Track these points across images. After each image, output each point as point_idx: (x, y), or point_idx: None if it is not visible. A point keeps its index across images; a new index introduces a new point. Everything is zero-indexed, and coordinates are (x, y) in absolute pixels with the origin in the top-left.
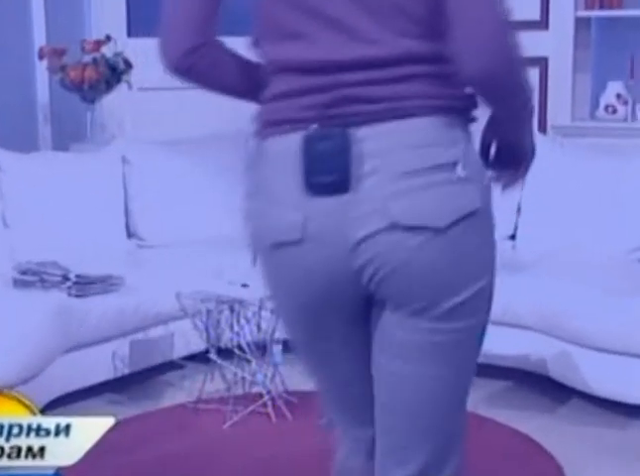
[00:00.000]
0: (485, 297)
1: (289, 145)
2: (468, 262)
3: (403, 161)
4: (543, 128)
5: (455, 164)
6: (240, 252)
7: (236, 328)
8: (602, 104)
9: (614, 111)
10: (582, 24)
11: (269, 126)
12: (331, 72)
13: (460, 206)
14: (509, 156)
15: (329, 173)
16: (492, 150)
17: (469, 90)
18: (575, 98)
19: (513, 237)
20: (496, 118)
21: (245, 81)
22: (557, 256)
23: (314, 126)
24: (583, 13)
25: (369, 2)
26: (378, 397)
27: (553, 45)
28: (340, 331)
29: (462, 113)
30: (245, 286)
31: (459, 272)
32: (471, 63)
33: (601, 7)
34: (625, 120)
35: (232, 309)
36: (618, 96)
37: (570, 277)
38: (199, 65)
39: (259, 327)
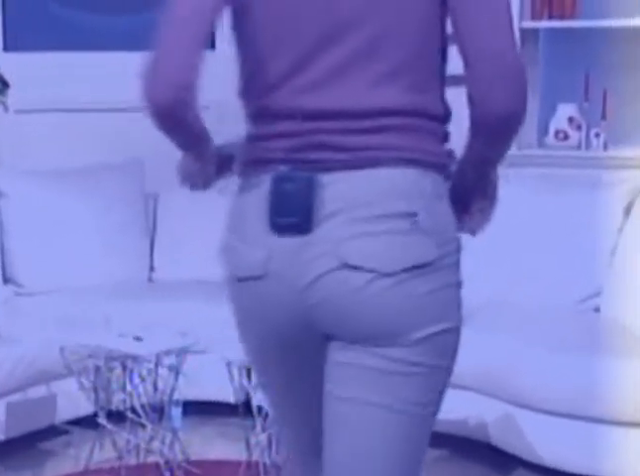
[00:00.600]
0: (440, 345)
1: (261, 184)
2: (414, 307)
3: (364, 207)
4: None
5: (414, 215)
6: (133, 300)
7: (129, 388)
8: (552, 130)
9: (566, 137)
10: (528, 36)
11: (246, 165)
12: (306, 119)
13: (411, 257)
14: (477, 201)
15: (293, 214)
16: (462, 199)
17: (447, 147)
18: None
19: None
20: (473, 161)
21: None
22: (499, 306)
23: (283, 168)
24: (529, 24)
25: (345, 51)
26: (326, 432)
27: None
28: (299, 365)
29: (436, 168)
30: (138, 339)
31: (405, 315)
32: (498, 102)
33: (551, 17)
34: (578, 148)
35: (124, 366)
36: (570, 120)
37: (513, 330)
38: (191, 104)
39: (155, 387)
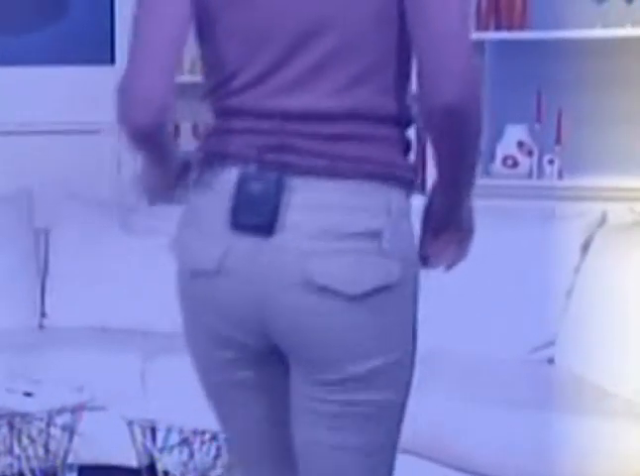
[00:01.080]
0: (399, 370)
1: (225, 180)
2: (379, 333)
3: (328, 221)
4: (422, 187)
5: (379, 234)
6: (22, 350)
7: (17, 451)
8: (499, 155)
9: (515, 164)
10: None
11: (209, 156)
12: (278, 119)
13: (376, 278)
14: (451, 234)
15: (256, 215)
16: (432, 232)
17: (410, 159)
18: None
19: None
20: (440, 191)
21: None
22: (440, 357)
23: (252, 166)
24: (474, 35)
25: (314, 56)
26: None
27: None
28: (245, 369)
29: (401, 182)
30: (28, 394)
31: (368, 341)
32: (446, 90)
33: (498, 27)
34: (529, 176)
35: (11, 426)
36: (520, 145)
37: (456, 384)
38: (167, 124)
39: (46, 449)
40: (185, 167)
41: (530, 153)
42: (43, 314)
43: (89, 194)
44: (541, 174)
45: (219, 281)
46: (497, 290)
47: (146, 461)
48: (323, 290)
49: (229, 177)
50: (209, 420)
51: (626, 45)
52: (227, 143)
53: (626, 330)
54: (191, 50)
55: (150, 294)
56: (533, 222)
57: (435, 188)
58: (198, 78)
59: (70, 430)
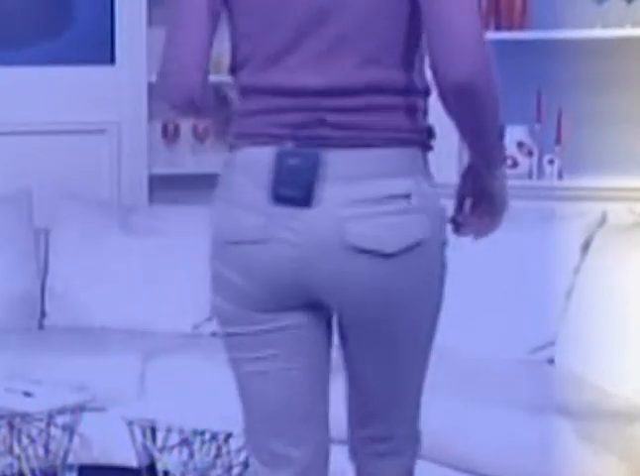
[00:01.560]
0: (434, 307)
1: (261, 157)
2: (415, 286)
3: (360, 188)
4: None
5: (408, 195)
6: (22, 350)
7: (17, 451)
8: None
9: (515, 165)
10: None
11: (243, 138)
12: (306, 96)
13: (410, 235)
14: (484, 206)
15: (294, 187)
16: (468, 203)
17: (427, 122)
18: (463, 148)
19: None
20: (473, 165)
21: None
22: (440, 357)
23: (289, 143)
24: None
25: (340, 31)
26: (354, 396)
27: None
28: (287, 328)
29: (421, 145)
30: (28, 394)
31: (411, 291)
32: (456, 69)
33: (498, 27)
34: (529, 177)
35: (11, 426)
36: (520, 145)
37: (456, 385)
38: (204, 95)
39: (46, 449)
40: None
41: (530, 153)
42: (43, 314)
43: (89, 194)
44: (541, 174)
45: (262, 247)
46: (497, 290)
47: (146, 461)
48: (362, 252)
49: (264, 154)
50: (209, 420)
51: (626, 45)
52: (259, 123)
53: (626, 330)
54: None
55: (150, 294)
56: (533, 222)
57: (468, 163)
58: None
59: (70, 430)
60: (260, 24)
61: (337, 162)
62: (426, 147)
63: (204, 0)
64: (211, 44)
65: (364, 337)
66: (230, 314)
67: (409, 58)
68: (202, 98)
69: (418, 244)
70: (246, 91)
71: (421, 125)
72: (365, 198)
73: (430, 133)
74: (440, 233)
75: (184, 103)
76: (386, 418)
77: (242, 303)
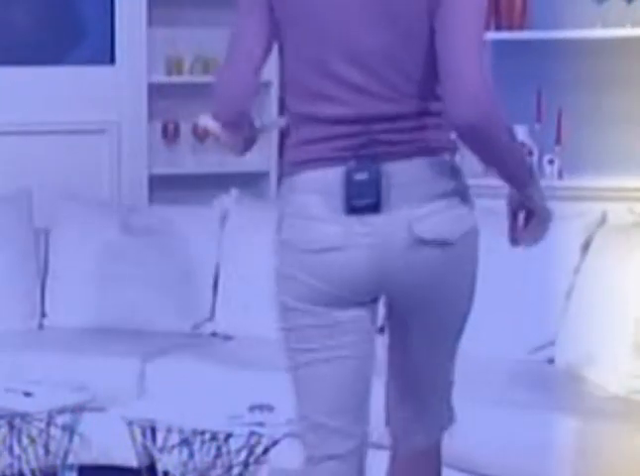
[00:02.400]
0: (472, 295)
1: (331, 176)
2: (464, 269)
3: (419, 190)
4: None
5: (455, 192)
6: (22, 350)
7: (17, 451)
8: None
9: None
10: None
11: (305, 163)
12: (360, 123)
13: (463, 224)
14: (532, 218)
15: (364, 198)
16: (520, 217)
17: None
18: (464, 148)
19: (382, 330)
20: (504, 181)
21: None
22: None
23: (352, 162)
24: None
25: (384, 73)
26: (401, 377)
27: None
28: (355, 321)
29: (453, 152)
30: (28, 394)
31: (458, 277)
32: (466, 114)
33: (498, 27)
34: None
35: (11, 426)
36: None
37: (457, 386)
38: (249, 109)
39: (46, 449)
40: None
41: (530, 153)
42: (43, 314)
43: (89, 194)
44: (541, 174)
45: (340, 254)
46: (497, 290)
47: (146, 461)
48: (427, 243)
49: (335, 173)
50: (209, 420)
51: (626, 45)
52: (324, 148)
53: (626, 330)
54: (192, 50)
55: (150, 294)
56: None
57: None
58: (198, 79)
59: (70, 430)
60: (306, 64)
61: (395, 171)
62: (455, 154)
63: (262, 31)
64: (263, 64)
65: (422, 320)
66: (299, 311)
67: (436, 89)
68: (245, 115)
69: (469, 232)
70: (304, 121)
71: (450, 137)
72: (424, 198)
73: (455, 143)
74: (477, 222)
75: (230, 116)
76: (429, 395)
77: (315, 302)
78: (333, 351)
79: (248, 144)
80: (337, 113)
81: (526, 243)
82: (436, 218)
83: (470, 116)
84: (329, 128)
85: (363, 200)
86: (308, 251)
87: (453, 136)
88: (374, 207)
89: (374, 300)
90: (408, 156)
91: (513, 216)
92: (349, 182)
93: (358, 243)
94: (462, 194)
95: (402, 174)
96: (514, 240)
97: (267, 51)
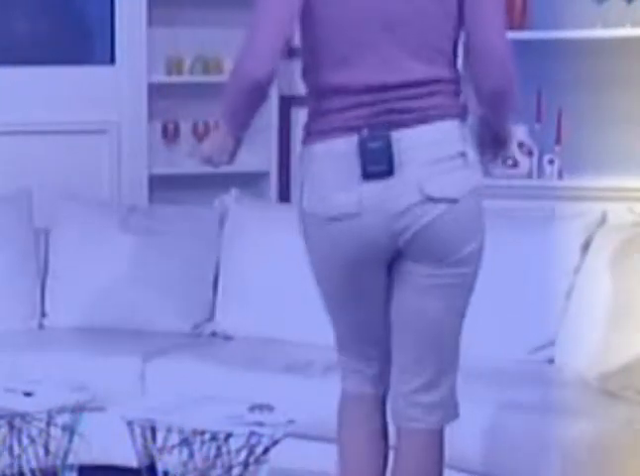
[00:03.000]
0: (481, 251)
1: (346, 146)
2: (471, 225)
3: (429, 153)
4: None
5: (464, 154)
6: (22, 350)
7: (17, 451)
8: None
9: (515, 165)
10: None
11: (324, 133)
12: (381, 91)
13: (468, 183)
14: (497, 141)
15: (379, 164)
16: (487, 140)
17: (464, 101)
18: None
19: None
20: (487, 119)
21: None
22: None
23: (365, 131)
24: None
25: (406, 41)
26: (399, 327)
27: None
28: (372, 278)
29: (462, 117)
30: (28, 394)
31: (466, 232)
32: (495, 81)
33: None
34: (529, 176)
35: (11, 426)
36: (520, 145)
37: (457, 385)
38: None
39: (46, 449)
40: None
41: (530, 153)
42: (43, 314)
43: (89, 194)
44: (541, 174)
45: (360, 218)
46: (498, 290)
47: (146, 461)
48: (439, 200)
49: (350, 143)
50: (209, 420)
51: (626, 45)
52: (339, 118)
53: (626, 330)
54: (192, 50)
55: (150, 294)
56: (533, 222)
57: (483, 121)
58: (198, 78)
59: (70, 430)
60: (337, 35)
61: (407, 137)
62: (465, 119)
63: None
64: (288, 42)
65: (436, 276)
66: (328, 274)
67: (453, 57)
68: (270, 84)
69: (473, 191)
70: (318, 93)
71: (462, 103)
72: (432, 159)
73: (466, 109)
74: (482, 182)
75: (266, 76)
76: (434, 363)
77: (341, 265)
78: (362, 303)
79: (238, 147)
80: (364, 82)
81: (493, 159)
82: (444, 178)
83: (501, 82)
84: (350, 98)
85: (377, 167)
86: (328, 218)
87: (464, 102)
88: (388, 172)
89: (392, 259)
90: (420, 121)
91: (483, 138)
92: (363, 151)
93: (374, 208)
94: (471, 156)
95: (413, 139)
96: (485, 156)
97: (295, 18)
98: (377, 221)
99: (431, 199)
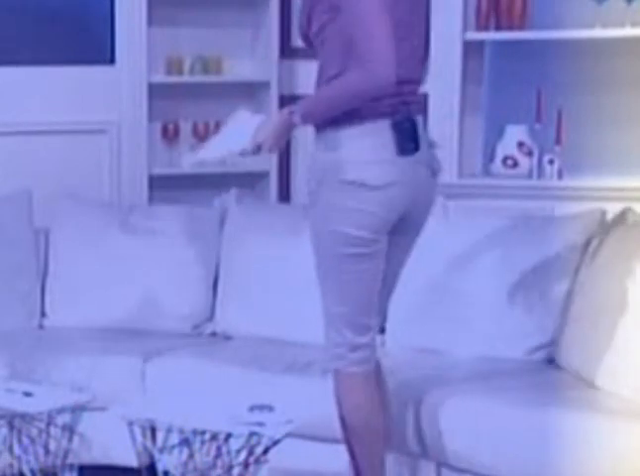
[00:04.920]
0: None
1: (385, 126)
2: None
3: (427, 136)
4: None
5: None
6: (22, 350)
7: (17, 451)
8: (500, 155)
9: (515, 164)
10: (472, 49)
11: (362, 117)
12: (402, 84)
13: (439, 161)
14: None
15: (410, 141)
16: None
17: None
18: (463, 148)
19: (382, 330)
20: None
21: None
22: (440, 359)
23: (397, 115)
24: (473, 35)
25: (418, 45)
26: (390, 275)
27: (433, 77)
28: (385, 245)
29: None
30: (28, 394)
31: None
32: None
33: (498, 27)
34: (529, 176)
35: (11, 426)
36: (520, 145)
37: (454, 385)
38: None
39: (46, 449)
40: None
41: (530, 153)
42: (43, 314)
43: (89, 194)
44: (541, 174)
45: (395, 187)
46: (497, 290)
47: (146, 461)
48: (435, 174)
49: (384, 125)
50: (209, 420)
51: (626, 45)
52: (377, 106)
53: (626, 330)
54: (192, 50)
55: (150, 294)
56: (533, 223)
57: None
58: (198, 79)
59: (70, 430)
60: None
61: (419, 123)
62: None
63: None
64: None
65: (416, 234)
66: (359, 239)
67: None
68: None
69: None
70: None
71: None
72: (429, 142)
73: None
74: None
75: (391, 85)
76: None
77: (375, 229)
78: (377, 268)
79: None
80: (400, 76)
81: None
82: (433, 154)
83: None
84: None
85: (408, 144)
86: (374, 187)
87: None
88: (415, 148)
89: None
90: (419, 112)
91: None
92: (398, 132)
93: (406, 179)
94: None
95: (421, 124)
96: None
97: None
98: (406, 191)
99: (433, 173)
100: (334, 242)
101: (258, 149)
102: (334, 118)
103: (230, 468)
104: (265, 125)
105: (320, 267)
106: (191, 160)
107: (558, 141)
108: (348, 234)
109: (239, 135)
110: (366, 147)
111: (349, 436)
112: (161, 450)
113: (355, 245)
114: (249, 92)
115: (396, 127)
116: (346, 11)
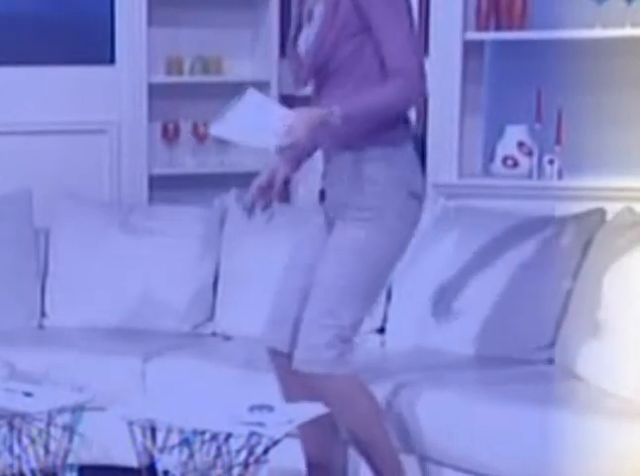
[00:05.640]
0: None
1: (409, 147)
2: None
3: None
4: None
5: None
6: (22, 350)
7: (17, 451)
8: (499, 155)
9: (515, 164)
10: (472, 49)
11: (406, 139)
12: None
13: None
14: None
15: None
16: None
17: None
18: (463, 148)
19: (382, 330)
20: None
21: None
22: (440, 359)
23: (413, 128)
24: (473, 35)
25: None
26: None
27: (433, 77)
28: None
29: None
30: (28, 394)
31: None
32: None
33: (498, 27)
34: (529, 176)
35: (11, 426)
36: (520, 145)
37: (455, 385)
38: None
39: (47, 449)
40: None
41: (530, 153)
42: (43, 314)
43: (89, 194)
44: (541, 174)
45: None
46: (496, 290)
47: (146, 461)
48: None
49: (409, 144)
50: (209, 420)
51: (626, 45)
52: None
53: (626, 330)
54: (192, 50)
55: (149, 294)
56: (533, 223)
57: None
58: (198, 79)
59: (70, 430)
60: None
61: None
62: None
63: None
64: None
65: None
66: (408, 237)
67: None
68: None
69: None
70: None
71: None
72: None
73: None
74: None
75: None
76: None
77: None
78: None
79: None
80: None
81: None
82: None
83: None
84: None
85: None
86: (414, 196)
87: None
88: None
89: None
90: None
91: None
92: (417, 150)
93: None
94: None
95: None
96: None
97: None
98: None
99: None
100: (400, 250)
101: (291, 146)
102: (392, 138)
103: (230, 468)
104: (298, 123)
105: (364, 274)
106: (219, 131)
107: (558, 141)
108: (407, 243)
109: (260, 120)
110: (409, 162)
111: (364, 447)
112: (161, 450)
113: (402, 251)
114: None
115: (416, 147)
116: (379, 29)
